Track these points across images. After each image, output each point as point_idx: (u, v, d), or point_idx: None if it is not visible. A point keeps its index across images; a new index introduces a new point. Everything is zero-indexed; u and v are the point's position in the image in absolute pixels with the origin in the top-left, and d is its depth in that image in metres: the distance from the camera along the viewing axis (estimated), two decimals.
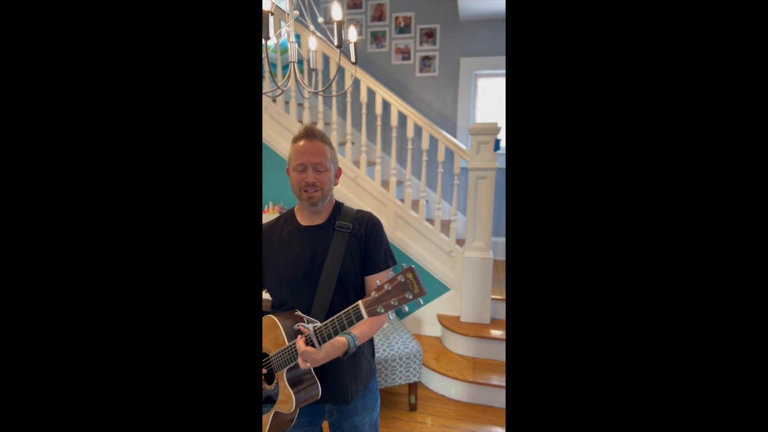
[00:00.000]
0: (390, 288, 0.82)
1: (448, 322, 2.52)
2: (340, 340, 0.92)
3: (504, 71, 3.28)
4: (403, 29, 3.47)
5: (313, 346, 0.89)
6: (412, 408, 2.16)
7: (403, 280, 0.81)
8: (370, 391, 1.12)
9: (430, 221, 2.72)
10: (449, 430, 2.03)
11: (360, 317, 0.85)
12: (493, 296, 2.52)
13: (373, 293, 0.84)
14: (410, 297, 0.81)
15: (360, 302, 0.85)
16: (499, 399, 2.19)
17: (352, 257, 1.03)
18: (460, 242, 2.72)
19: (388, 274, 1.07)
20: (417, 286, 0.80)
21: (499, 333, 2.39)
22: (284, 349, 0.96)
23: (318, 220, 1.07)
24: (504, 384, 2.16)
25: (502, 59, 3.27)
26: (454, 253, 2.61)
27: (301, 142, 1.02)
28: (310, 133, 1.02)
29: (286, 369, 0.97)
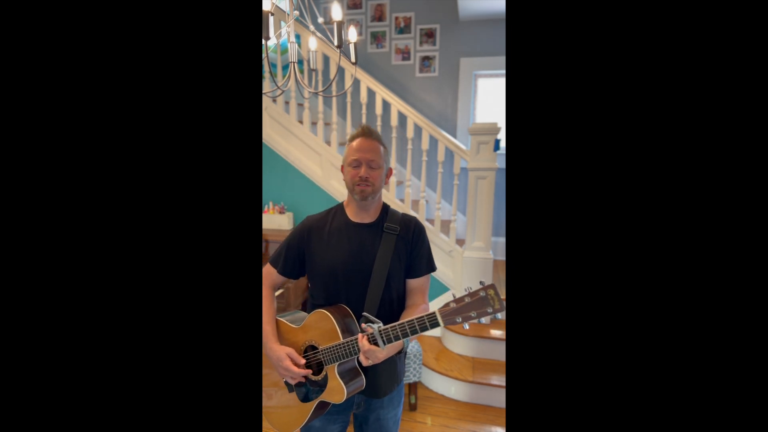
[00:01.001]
0: (470, 301, 0.85)
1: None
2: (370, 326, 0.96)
3: (504, 71, 3.28)
4: (403, 29, 3.47)
5: (375, 344, 0.92)
6: (412, 408, 2.16)
7: (484, 294, 0.85)
8: (398, 388, 1.16)
9: (430, 221, 2.72)
10: (449, 430, 2.03)
11: (436, 325, 0.88)
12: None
13: (451, 304, 0.86)
14: (491, 311, 0.85)
15: (437, 311, 0.87)
16: (499, 399, 2.19)
17: (399, 259, 1.07)
18: (460, 242, 2.72)
19: (429, 279, 1.14)
20: (498, 301, 0.84)
21: (499, 333, 2.39)
22: (339, 345, 0.98)
23: (368, 219, 1.10)
24: (504, 384, 2.16)
25: (502, 59, 3.27)
26: (454, 253, 2.61)
27: (359, 140, 1.06)
28: (367, 132, 1.07)
29: (338, 363, 0.99)
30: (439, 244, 2.63)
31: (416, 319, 0.89)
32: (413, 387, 2.16)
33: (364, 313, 0.97)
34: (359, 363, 1.01)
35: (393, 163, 2.65)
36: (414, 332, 0.90)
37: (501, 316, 0.85)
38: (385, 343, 0.92)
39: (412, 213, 2.64)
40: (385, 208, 1.14)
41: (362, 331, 0.94)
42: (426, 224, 2.62)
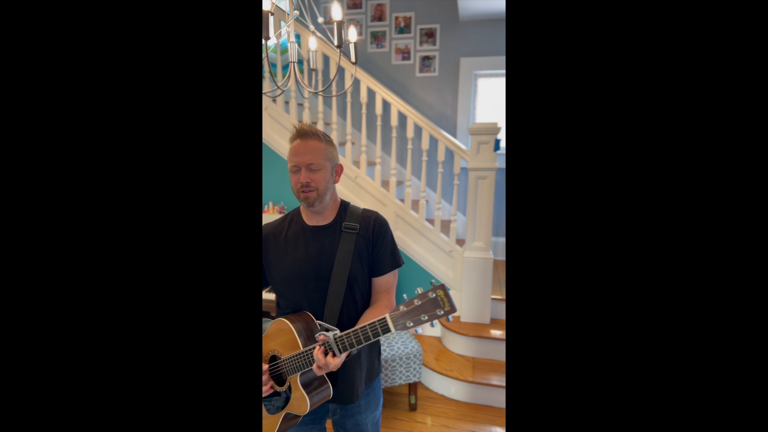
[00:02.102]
0: (420, 303, 0.82)
1: (448, 322, 2.52)
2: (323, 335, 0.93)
3: (504, 71, 3.28)
4: (403, 29, 3.47)
5: (332, 352, 0.89)
6: (412, 408, 2.16)
7: (434, 296, 0.82)
8: (374, 390, 1.13)
9: (430, 221, 2.72)
10: (449, 430, 2.03)
11: (387, 330, 0.85)
12: (493, 296, 2.52)
13: (401, 307, 0.84)
14: (441, 314, 0.82)
15: (387, 316, 0.85)
16: (499, 399, 2.19)
17: (360, 258, 1.03)
18: (460, 242, 2.72)
19: (396, 275, 1.09)
20: (448, 303, 0.81)
21: (499, 333, 2.39)
22: (299, 354, 0.96)
23: (323, 221, 1.06)
24: (504, 384, 2.16)
25: (502, 59, 3.27)
26: (454, 253, 2.61)
27: (295, 142, 1.01)
28: (302, 133, 1.01)
29: (300, 373, 0.97)
30: (439, 244, 2.63)
31: (368, 325, 0.86)
32: (413, 387, 2.16)
33: (319, 322, 0.94)
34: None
35: (393, 163, 2.65)
36: (368, 339, 0.87)
37: (452, 318, 0.84)
38: (341, 351, 0.89)
39: (413, 213, 2.65)
40: (344, 205, 1.09)
41: (318, 339, 0.91)
42: (426, 224, 2.63)
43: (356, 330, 0.88)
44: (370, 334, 0.86)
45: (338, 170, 1.06)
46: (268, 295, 2.32)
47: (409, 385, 2.16)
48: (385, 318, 0.85)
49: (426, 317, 0.82)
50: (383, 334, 0.85)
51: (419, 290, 0.84)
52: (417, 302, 0.83)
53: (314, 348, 0.92)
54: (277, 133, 2.78)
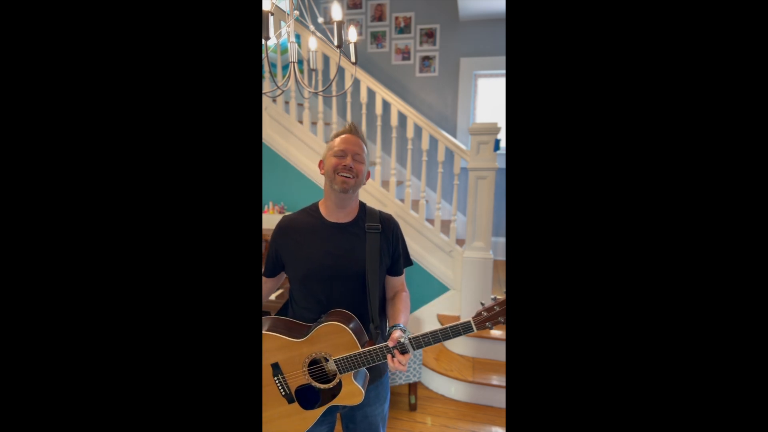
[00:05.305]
0: (499, 309, 0.95)
1: (448, 322, 2.51)
2: (397, 333, 1.00)
3: (504, 71, 3.28)
4: (403, 29, 3.47)
5: (404, 350, 0.96)
6: (412, 408, 2.16)
7: None
8: (383, 383, 1.16)
9: (430, 221, 2.72)
10: (449, 430, 2.03)
11: (469, 331, 0.96)
12: (493, 296, 2.52)
13: (483, 312, 0.95)
14: None
15: (471, 319, 0.95)
16: (499, 399, 2.19)
17: (382, 258, 1.08)
18: (460, 242, 2.72)
19: (404, 277, 1.19)
20: None
21: (499, 333, 2.39)
22: (359, 354, 0.99)
23: (344, 218, 1.09)
24: (504, 384, 2.16)
25: (502, 59, 3.27)
26: (454, 253, 2.61)
27: (346, 135, 1.07)
28: (354, 129, 1.08)
29: (354, 371, 1.02)
30: (439, 244, 2.63)
31: (449, 327, 0.95)
32: (413, 387, 2.16)
33: (400, 324, 1.00)
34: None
35: (393, 163, 2.64)
36: (447, 338, 0.95)
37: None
38: (415, 349, 0.96)
39: (413, 213, 2.65)
40: (363, 206, 1.13)
41: (392, 339, 0.97)
42: (426, 224, 2.63)
43: (436, 331, 0.95)
44: (450, 334, 0.95)
45: (367, 175, 1.12)
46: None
47: (409, 385, 2.16)
48: (469, 321, 0.95)
49: (502, 319, 0.94)
50: (464, 334, 0.96)
51: (497, 297, 0.96)
52: (497, 308, 0.95)
53: (375, 349, 0.97)
54: (277, 133, 2.78)
